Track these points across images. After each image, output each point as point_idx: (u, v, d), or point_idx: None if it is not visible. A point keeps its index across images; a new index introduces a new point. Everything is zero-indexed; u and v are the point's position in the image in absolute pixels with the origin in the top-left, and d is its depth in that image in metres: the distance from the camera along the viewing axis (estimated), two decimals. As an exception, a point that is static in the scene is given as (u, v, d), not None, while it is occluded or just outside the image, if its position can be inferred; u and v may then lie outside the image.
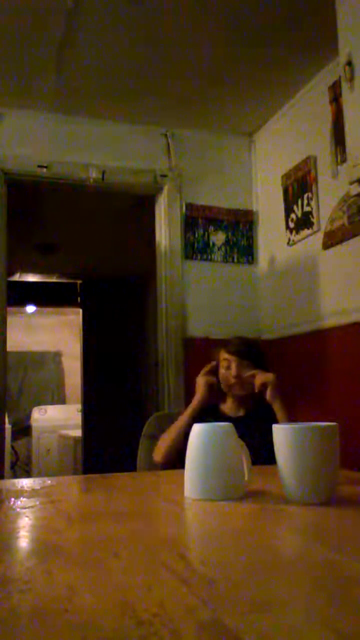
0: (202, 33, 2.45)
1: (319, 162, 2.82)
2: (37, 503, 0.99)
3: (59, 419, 7.43)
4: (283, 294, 3.11)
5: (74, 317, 7.58)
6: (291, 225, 3.02)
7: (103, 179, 3.12)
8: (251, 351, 2.05)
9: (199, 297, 3.23)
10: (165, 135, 3.28)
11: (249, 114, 3.20)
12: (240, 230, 3.35)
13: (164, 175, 3.23)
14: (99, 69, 2.71)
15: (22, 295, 6.51)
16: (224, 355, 2.03)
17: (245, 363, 1.99)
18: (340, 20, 1.97)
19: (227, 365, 2.01)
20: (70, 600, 0.52)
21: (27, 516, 0.90)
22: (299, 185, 2.95)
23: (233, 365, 1.99)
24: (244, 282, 3.34)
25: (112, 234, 4.77)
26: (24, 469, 7.46)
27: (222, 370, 2.03)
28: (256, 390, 1.92)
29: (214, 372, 2.04)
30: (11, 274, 5.67)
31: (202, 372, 2.04)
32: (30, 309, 7.58)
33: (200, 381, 2.02)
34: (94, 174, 3.12)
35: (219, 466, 1.00)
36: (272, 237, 3.24)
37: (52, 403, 8.06)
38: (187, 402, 3.02)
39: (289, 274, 3.05)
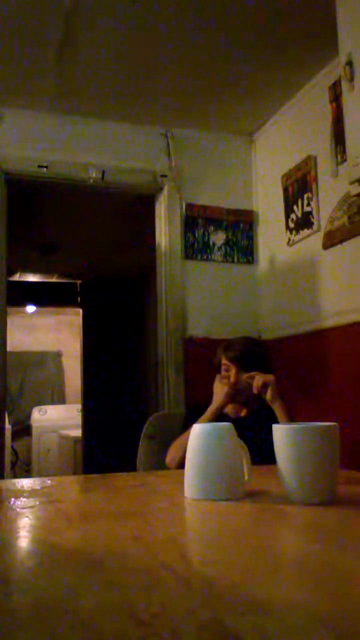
0: (202, 33, 2.45)
1: (319, 162, 2.82)
2: (37, 503, 0.99)
3: (59, 419, 7.43)
4: (283, 294, 3.11)
5: (74, 317, 7.59)
6: (291, 225, 3.01)
7: (103, 178, 3.12)
8: (251, 356, 2.04)
9: (199, 297, 3.23)
10: (165, 135, 3.28)
11: (249, 114, 3.20)
12: (240, 230, 3.35)
13: (164, 175, 3.23)
14: (99, 69, 2.71)
15: (22, 295, 6.51)
16: (223, 360, 2.03)
17: (244, 370, 1.98)
18: (340, 20, 1.97)
19: (226, 370, 2.01)
20: (70, 600, 0.52)
21: (27, 516, 0.90)
22: (299, 185, 2.95)
23: (231, 373, 1.99)
24: (244, 282, 3.34)
25: (112, 233, 4.77)
26: (24, 469, 7.46)
27: (221, 374, 2.03)
28: (255, 392, 1.92)
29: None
30: (11, 274, 5.67)
31: (222, 380, 2.02)
32: (30, 309, 7.58)
33: (220, 390, 2.00)
34: (93, 174, 3.11)
35: (219, 466, 1.00)
36: (272, 237, 3.24)
37: (52, 403, 8.06)
38: (187, 402, 3.05)
39: (289, 274, 3.05)
